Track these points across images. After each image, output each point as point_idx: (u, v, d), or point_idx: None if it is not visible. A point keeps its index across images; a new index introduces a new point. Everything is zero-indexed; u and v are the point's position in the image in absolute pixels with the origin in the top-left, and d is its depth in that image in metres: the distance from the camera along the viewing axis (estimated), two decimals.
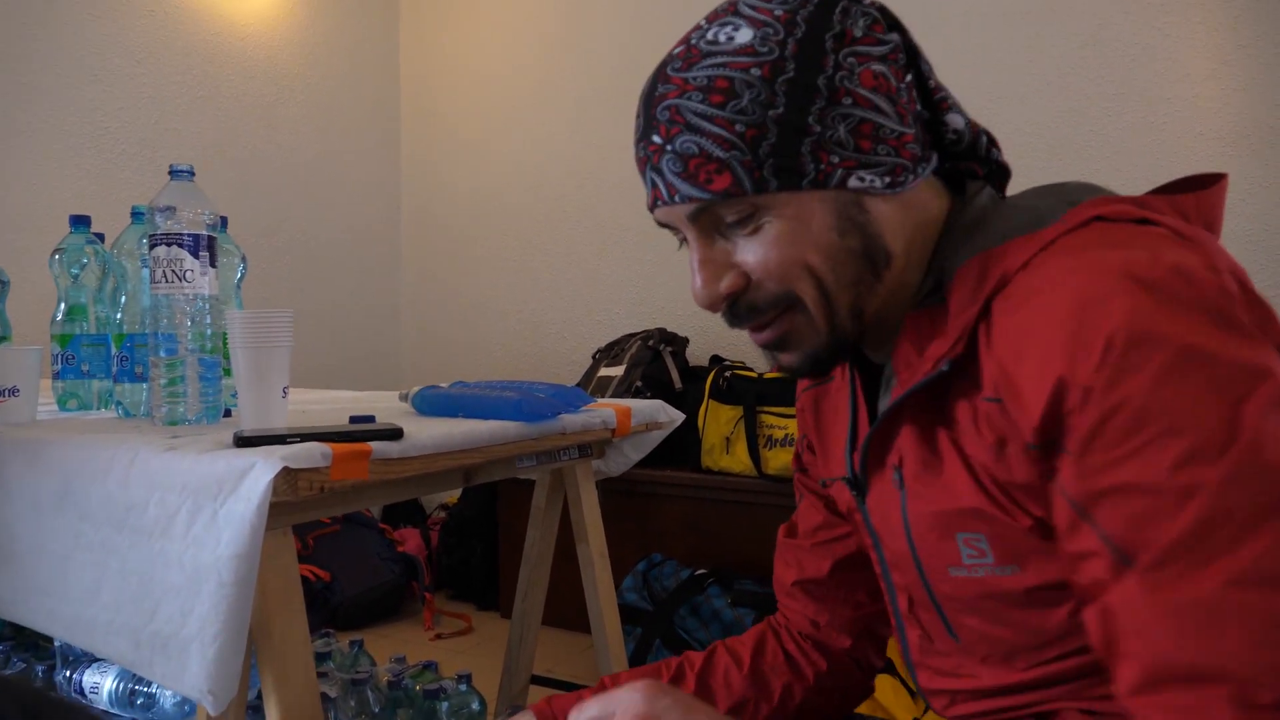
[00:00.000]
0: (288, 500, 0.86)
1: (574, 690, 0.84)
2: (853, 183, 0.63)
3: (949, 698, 0.74)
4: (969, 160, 0.71)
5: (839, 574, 0.87)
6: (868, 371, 0.76)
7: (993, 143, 0.71)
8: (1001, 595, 0.65)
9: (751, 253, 0.65)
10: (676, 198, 0.64)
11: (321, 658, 1.61)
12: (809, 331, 0.67)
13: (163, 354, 1.07)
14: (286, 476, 0.84)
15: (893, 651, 0.93)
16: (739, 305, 0.67)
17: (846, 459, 0.77)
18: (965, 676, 0.72)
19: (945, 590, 0.69)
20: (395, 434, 0.97)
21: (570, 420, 1.25)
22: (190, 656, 0.85)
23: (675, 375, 2.54)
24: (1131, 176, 2.24)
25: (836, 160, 0.62)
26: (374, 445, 0.94)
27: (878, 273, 0.66)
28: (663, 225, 0.69)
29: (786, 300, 0.65)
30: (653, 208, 0.67)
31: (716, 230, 0.66)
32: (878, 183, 0.63)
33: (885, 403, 0.71)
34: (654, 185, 0.65)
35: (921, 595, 0.72)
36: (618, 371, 2.56)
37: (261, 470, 0.83)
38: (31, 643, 1.72)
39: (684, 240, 0.69)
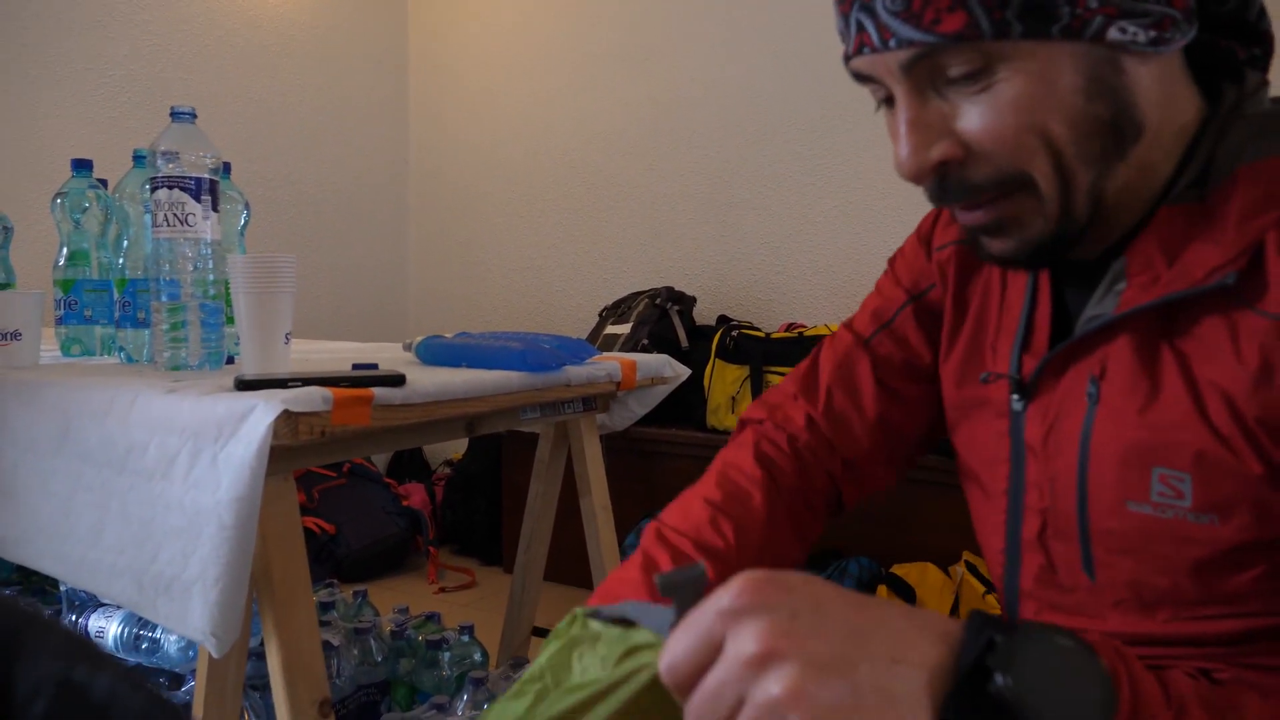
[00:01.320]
0: (288, 444, 0.85)
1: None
2: (1113, 34, 0.51)
3: None
4: (1229, 37, 0.59)
5: (877, 435, 0.77)
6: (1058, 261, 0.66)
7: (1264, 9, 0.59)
8: (1183, 544, 0.56)
9: (978, 116, 0.54)
10: (892, 42, 0.53)
11: (325, 608, 1.62)
12: (1034, 216, 0.56)
13: (164, 299, 1.06)
14: (287, 420, 0.84)
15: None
16: (950, 179, 0.56)
17: (1013, 356, 0.66)
18: (1085, 617, 0.63)
19: (1108, 525, 0.59)
20: (398, 380, 0.96)
21: (575, 372, 1.24)
22: (192, 599, 0.85)
23: (682, 334, 2.52)
24: None
25: (1095, 4, 0.51)
26: (376, 391, 0.94)
27: (1123, 149, 0.55)
28: (860, 79, 0.58)
29: (1014, 177, 0.55)
30: (853, 56, 0.56)
31: (933, 86, 0.55)
32: (1141, 36, 0.52)
33: (1107, 305, 0.60)
34: (860, 30, 0.55)
35: (1066, 524, 0.62)
36: (624, 329, 2.54)
37: (262, 413, 0.83)
38: (39, 587, 1.74)
39: (883, 101, 0.58)
